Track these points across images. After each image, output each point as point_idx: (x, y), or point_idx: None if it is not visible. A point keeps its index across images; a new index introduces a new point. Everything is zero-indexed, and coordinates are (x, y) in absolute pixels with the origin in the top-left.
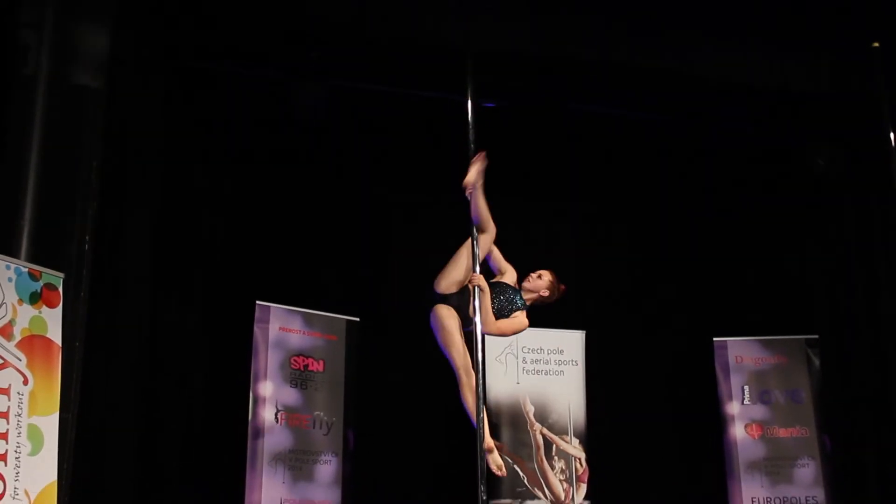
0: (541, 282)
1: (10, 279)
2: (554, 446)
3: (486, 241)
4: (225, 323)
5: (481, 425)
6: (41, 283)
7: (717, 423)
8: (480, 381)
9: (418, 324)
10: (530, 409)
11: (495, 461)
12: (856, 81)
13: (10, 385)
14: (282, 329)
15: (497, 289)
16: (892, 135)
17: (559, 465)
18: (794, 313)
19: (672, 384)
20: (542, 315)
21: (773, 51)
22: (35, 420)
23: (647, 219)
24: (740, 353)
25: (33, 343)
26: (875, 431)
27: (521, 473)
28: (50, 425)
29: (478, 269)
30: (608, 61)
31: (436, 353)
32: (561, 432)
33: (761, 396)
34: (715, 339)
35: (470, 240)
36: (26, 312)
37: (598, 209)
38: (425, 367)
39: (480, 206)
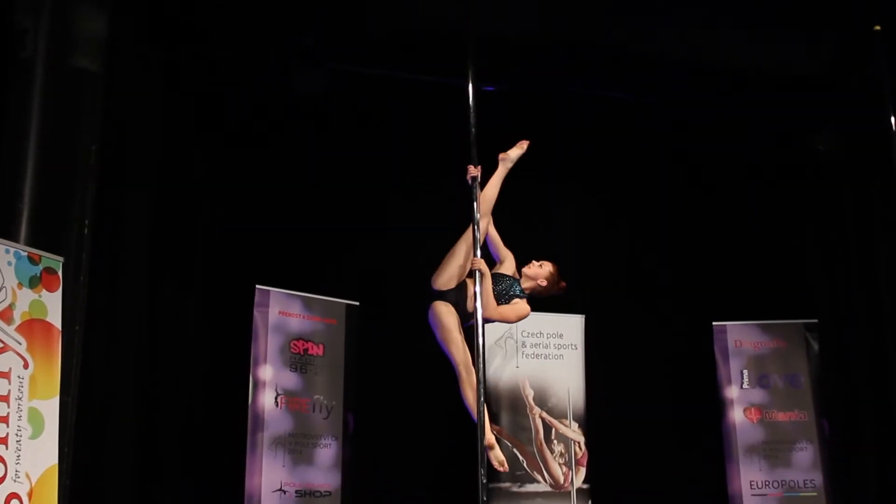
0: (541, 270)
1: (9, 263)
2: (553, 430)
3: (483, 225)
4: (224, 307)
5: (482, 419)
6: (41, 266)
7: (716, 406)
8: (481, 367)
9: (418, 308)
10: (530, 394)
11: (497, 457)
12: (857, 65)
13: (10, 369)
14: (281, 313)
15: (495, 278)
16: (892, 119)
17: (558, 448)
18: (794, 298)
19: (671, 368)
20: (541, 299)
21: (773, 34)
22: (35, 403)
23: (647, 202)
24: (739, 337)
25: (33, 327)
26: (873, 415)
27: (520, 457)
28: (50, 409)
29: (479, 252)
30: (608, 45)
31: (436, 339)
32: (560, 416)
33: (760, 380)
34: (714, 323)
35: (466, 233)
36: (26, 296)
37: (598, 193)
38: (425, 351)
39: (493, 190)
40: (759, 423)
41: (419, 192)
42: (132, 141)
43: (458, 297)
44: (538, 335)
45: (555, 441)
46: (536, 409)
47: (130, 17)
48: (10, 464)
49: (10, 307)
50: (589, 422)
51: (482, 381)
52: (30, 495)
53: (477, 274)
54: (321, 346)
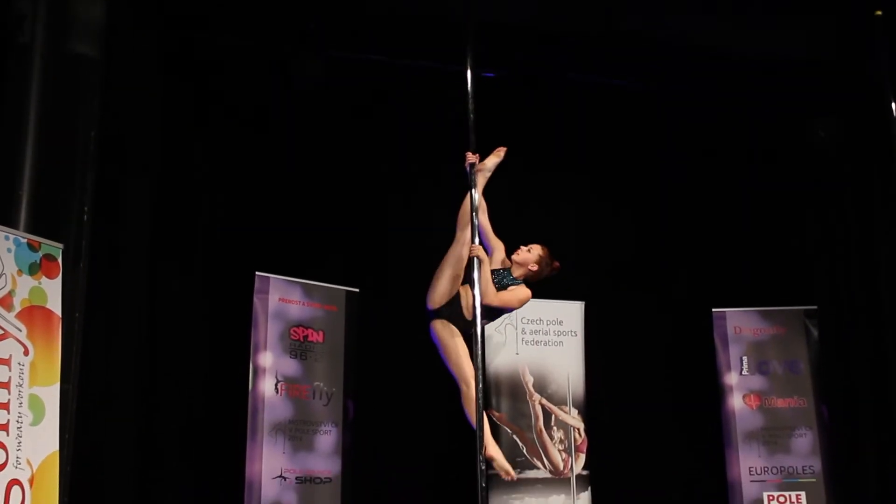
0: (530, 255)
1: (9, 250)
2: (553, 416)
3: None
4: (224, 293)
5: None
6: (40, 253)
7: (716, 393)
8: (479, 356)
9: (418, 294)
10: (529, 380)
11: (502, 468)
12: (857, 51)
13: (10, 355)
14: (281, 300)
15: None
16: (893, 105)
17: (558, 435)
18: (793, 284)
19: (671, 354)
20: (541, 286)
21: (773, 19)
22: (36, 390)
23: (646, 189)
24: (739, 323)
25: (33, 314)
26: (872, 402)
27: (520, 444)
28: (51, 396)
29: (476, 240)
30: (608, 31)
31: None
32: (560, 403)
33: (759, 367)
34: (714, 309)
35: (451, 248)
36: (26, 283)
37: (597, 179)
38: (425, 337)
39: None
40: (759, 410)
41: (419, 178)
42: (131, 127)
43: (451, 310)
44: (538, 322)
45: (554, 427)
46: (536, 396)
47: (129, 2)
48: (11, 450)
49: (10, 294)
50: (588, 408)
51: (481, 370)
52: (31, 482)
53: (475, 261)
54: (321, 333)
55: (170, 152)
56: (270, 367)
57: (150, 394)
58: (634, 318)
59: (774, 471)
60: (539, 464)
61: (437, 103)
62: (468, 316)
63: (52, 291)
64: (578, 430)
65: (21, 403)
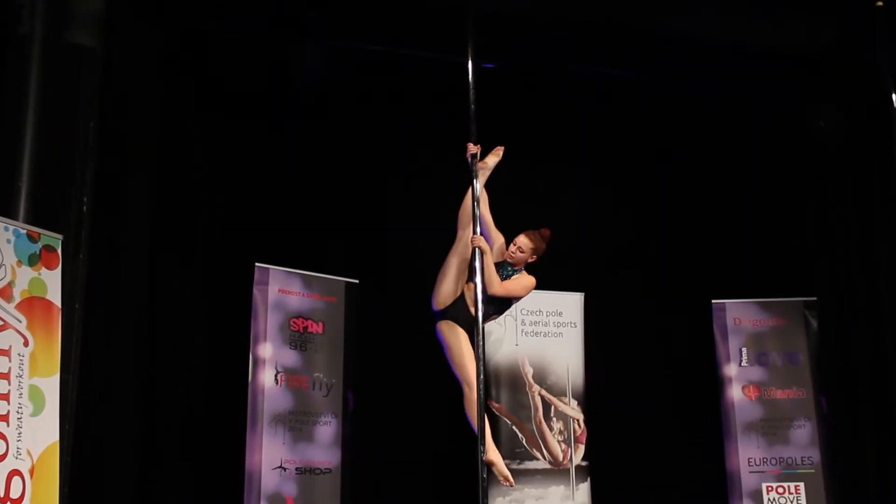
0: (523, 255)
1: (8, 241)
2: (552, 408)
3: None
4: (224, 285)
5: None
6: (40, 244)
7: (715, 384)
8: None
9: (418, 286)
10: (529, 371)
11: (501, 473)
12: (858, 42)
13: (10, 346)
14: (281, 291)
15: None
16: (893, 95)
17: (557, 426)
18: (793, 276)
19: (670, 346)
20: (541, 277)
21: (773, 11)
22: (36, 381)
23: (646, 180)
24: (738, 315)
25: (33, 305)
26: (871, 392)
27: (519, 435)
28: (51, 386)
29: (478, 230)
30: (608, 22)
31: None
32: (559, 394)
33: (759, 358)
34: (713, 301)
35: (454, 246)
36: (25, 274)
37: (597, 171)
38: (424, 328)
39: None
40: (758, 401)
41: (419, 169)
42: (131, 118)
43: (458, 310)
44: (537, 313)
45: (554, 419)
46: (536, 387)
47: None
48: (12, 441)
49: (10, 285)
50: (588, 399)
51: (482, 360)
52: (31, 472)
53: (477, 251)
54: (321, 324)
55: (170, 143)
56: (270, 359)
57: (150, 385)
58: (634, 309)
59: (773, 462)
60: (538, 455)
61: (437, 95)
62: (474, 312)
63: (51, 282)
64: (578, 421)
65: (21, 394)
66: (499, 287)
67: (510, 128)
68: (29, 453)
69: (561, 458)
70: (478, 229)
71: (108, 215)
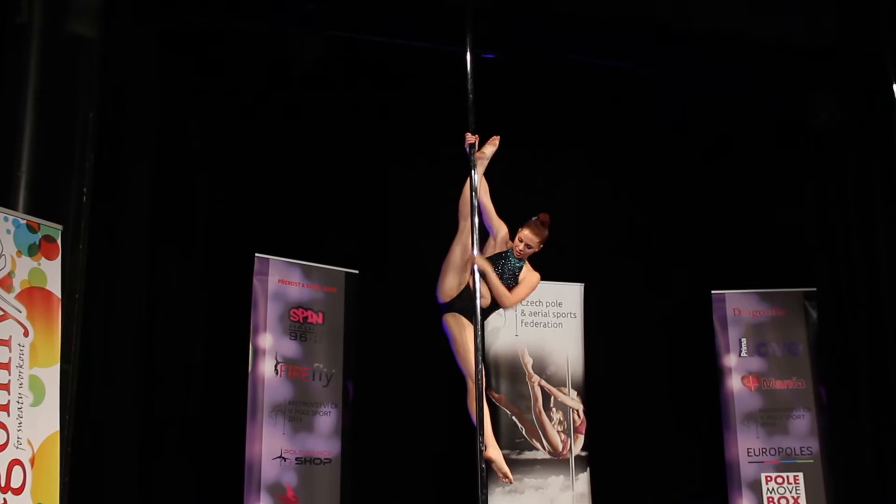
0: (531, 249)
1: (8, 231)
2: (552, 398)
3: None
4: (224, 275)
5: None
6: (40, 235)
7: (714, 374)
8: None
9: (417, 276)
10: (529, 362)
11: (500, 469)
12: (860, 33)
13: (10, 336)
14: (281, 281)
15: (493, 262)
16: (894, 86)
17: (557, 416)
18: (793, 266)
19: (670, 336)
20: (541, 268)
21: (775, 1)
22: (36, 371)
23: (646, 171)
24: (738, 305)
25: (33, 295)
26: (870, 383)
27: (519, 425)
28: (51, 376)
29: (476, 250)
30: (608, 12)
31: (435, 306)
32: (559, 384)
33: (758, 349)
34: (713, 291)
35: (457, 236)
36: (25, 264)
37: (596, 161)
38: (424, 319)
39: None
40: (757, 391)
41: (418, 159)
42: (130, 108)
43: (464, 302)
44: (537, 303)
45: (553, 409)
46: (535, 377)
47: None
48: (12, 431)
49: (10, 275)
50: (587, 390)
51: (481, 357)
52: (32, 462)
53: (477, 274)
54: (321, 315)
55: (169, 133)
56: (270, 349)
57: (150, 375)
58: (633, 299)
59: (772, 452)
60: (538, 445)
61: (436, 84)
62: (483, 303)
63: (51, 273)
64: (577, 411)
65: (21, 384)
66: (510, 301)
67: (509, 118)
68: (29, 443)
69: (560, 449)
70: (475, 234)
71: (108, 205)
